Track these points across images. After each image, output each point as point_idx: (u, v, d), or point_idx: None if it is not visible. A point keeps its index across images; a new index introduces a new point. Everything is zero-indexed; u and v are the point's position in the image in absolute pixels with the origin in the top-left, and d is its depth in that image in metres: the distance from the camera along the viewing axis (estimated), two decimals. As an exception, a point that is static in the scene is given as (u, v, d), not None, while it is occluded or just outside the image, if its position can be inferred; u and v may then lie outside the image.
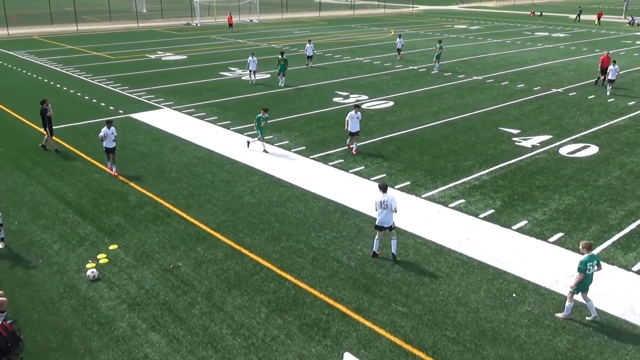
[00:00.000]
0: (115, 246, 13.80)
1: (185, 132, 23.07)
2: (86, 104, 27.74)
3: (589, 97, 29.29)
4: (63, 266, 12.90)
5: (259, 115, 20.52)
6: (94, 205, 16.16)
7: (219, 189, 17.28)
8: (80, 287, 12.09)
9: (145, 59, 40.70)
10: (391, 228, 13.10)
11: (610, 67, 29.84)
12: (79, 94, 29.58)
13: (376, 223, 13.17)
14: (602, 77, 31.71)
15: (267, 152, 20.51)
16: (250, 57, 31.88)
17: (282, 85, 31.57)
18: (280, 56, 32.02)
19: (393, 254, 13.24)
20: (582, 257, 10.83)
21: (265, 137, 20.77)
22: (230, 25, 59.77)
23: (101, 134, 18.04)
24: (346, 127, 20.28)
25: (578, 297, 11.07)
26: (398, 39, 40.84)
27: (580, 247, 10.95)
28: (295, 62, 39.01)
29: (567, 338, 10.54)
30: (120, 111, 26.17)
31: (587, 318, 11.09)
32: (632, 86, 32.10)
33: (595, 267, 10.80)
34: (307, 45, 38.05)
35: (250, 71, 32.07)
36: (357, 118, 20.06)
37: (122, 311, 11.28)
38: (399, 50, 40.61)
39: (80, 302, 11.58)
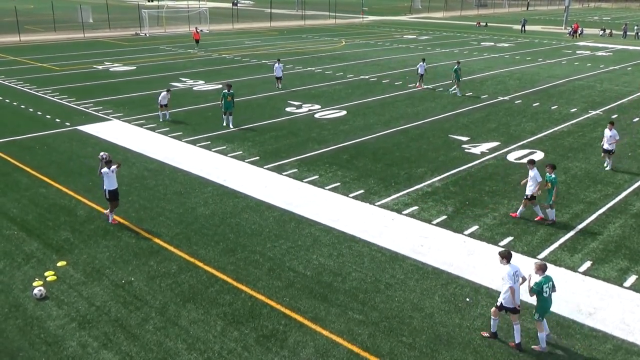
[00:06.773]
0: (64, 263, 13.35)
1: (135, 143, 22.60)
2: (31, 116, 26.84)
3: (534, 105, 30.29)
4: (8, 285, 12.39)
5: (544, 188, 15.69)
6: (41, 220, 15.62)
7: (171, 201, 16.99)
8: (26, 307, 11.63)
9: (93, 70, 39.75)
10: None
11: (606, 130, 20.34)
12: (22, 106, 28.60)
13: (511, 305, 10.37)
14: None
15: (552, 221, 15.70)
16: (163, 93, 26.14)
17: (231, 126, 24.78)
18: (226, 90, 24.69)
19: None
20: (537, 279, 10.18)
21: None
22: (197, 41, 51.40)
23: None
24: (537, 188, 15.50)
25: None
26: (421, 63, 34.36)
27: (535, 269, 10.25)
28: (248, 72, 38.90)
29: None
30: (67, 123, 25.44)
31: (533, 347, 10.53)
32: (573, 94, 33.40)
33: (551, 289, 10.19)
34: (276, 65, 33.34)
35: (161, 106, 26.07)
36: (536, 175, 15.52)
37: (72, 330, 10.91)
38: (421, 75, 34.19)
39: (27, 322, 11.14)
